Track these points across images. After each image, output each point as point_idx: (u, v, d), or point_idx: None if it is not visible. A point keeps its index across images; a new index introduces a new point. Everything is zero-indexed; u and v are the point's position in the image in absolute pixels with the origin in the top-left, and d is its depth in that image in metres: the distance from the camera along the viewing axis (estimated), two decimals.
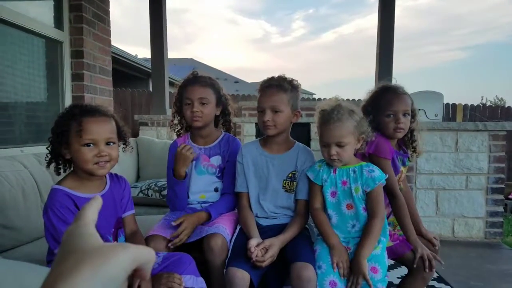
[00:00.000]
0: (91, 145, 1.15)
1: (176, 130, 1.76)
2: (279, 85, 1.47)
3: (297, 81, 1.54)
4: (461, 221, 3.11)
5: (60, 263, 0.29)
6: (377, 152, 1.46)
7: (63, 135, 1.17)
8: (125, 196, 1.36)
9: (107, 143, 1.18)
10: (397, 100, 1.51)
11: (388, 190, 1.46)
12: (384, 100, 1.52)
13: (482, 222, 3.08)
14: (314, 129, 3.52)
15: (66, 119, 1.18)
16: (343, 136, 1.33)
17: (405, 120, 1.51)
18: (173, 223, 1.41)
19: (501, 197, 3.08)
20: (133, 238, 1.34)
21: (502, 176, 3.06)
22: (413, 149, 1.64)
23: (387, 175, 1.39)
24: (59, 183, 1.21)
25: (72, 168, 1.24)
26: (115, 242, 1.28)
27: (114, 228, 1.28)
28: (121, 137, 1.29)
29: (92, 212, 0.36)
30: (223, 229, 1.43)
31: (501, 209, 3.08)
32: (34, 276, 0.83)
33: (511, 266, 2.57)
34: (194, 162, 1.62)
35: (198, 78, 1.61)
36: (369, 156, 1.48)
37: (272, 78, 1.52)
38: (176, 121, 1.72)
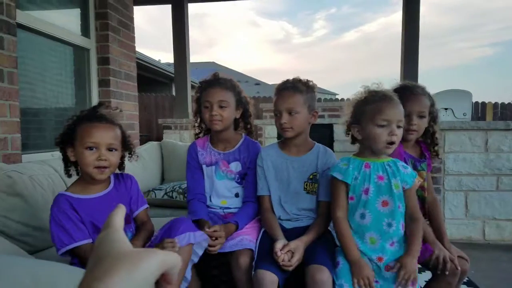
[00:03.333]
0: (93, 148, 1.22)
1: (195, 133, 1.75)
2: (293, 86, 1.46)
3: (312, 81, 1.53)
4: (492, 223, 2.99)
5: (94, 267, 0.31)
6: None
7: (69, 137, 1.25)
8: (134, 194, 1.40)
9: (109, 149, 1.24)
10: (411, 100, 1.44)
11: None
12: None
13: None
14: (337, 130, 3.51)
15: (74, 123, 1.26)
16: (403, 118, 1.27)
17: (419, 122, 1.45)
18: (207, 229, 1.39)
19: None
20: (140, 228, 1.39)
21: None
22: (435, 153, 1.57)
23: None
24: (66, 190, 1.29)
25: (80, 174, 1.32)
26: None
27: None
28: (126, 146, 1.35)
29: (119, 219, 0.38)
30: (248, 242, 1.42)
31: None
32: (66, 276, 0.86)
33: None
34: (214, 167, 1.62)
35: (218, 80, 1.58)
36: None
37: (287, 80, 1.51)
38: (196, 124, 1.71)
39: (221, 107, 1.53)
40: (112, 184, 1.35)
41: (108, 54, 2.86)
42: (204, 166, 1.64)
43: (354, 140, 1.38)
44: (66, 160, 1.30)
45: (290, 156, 1.53)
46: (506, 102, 6.09)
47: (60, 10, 2.76)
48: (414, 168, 1.51)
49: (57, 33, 2.48)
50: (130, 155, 1.39)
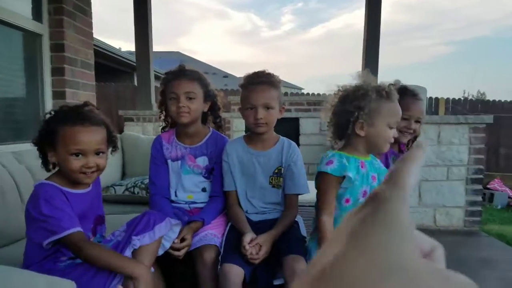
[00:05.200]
0: (80, 155, 1.13)
1: (161, 127, 1.69)
2: (270, 81, 1.44)
3: (278, 76, 1.51)
4: (442, 210, 3.19)
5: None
6: None
7: (49, 138, 1.15)
8: (100, 195, 1.37)
9: (96, 153, 1.17)
10: (414, 105, 1.51)
11: None
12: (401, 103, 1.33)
13: (462, 211, 3.17)
14: (303, 123, 3.56)
15: (54, 123, 1.15)
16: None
17: (416, 126, 1.52)
18: (176, 241, 1.36)
19: (480, 187, 3.18)
20: None
21: (481, 167, 3.15)
22: None
23: None
24: (46, 179, 1.20)
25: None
26: (93, 237, 1.28)
27: (93, 224, 1.29)
28: (111, 142, 1.27)
29: (413, 177, 0.22)
30: (213, 237, 1.42)
31: (479, 198, 3.19)
32: (17, 280, 0.80)
33: (489, 253, 2.66)
34: (180, 161, 1.58)
35: (185, 72, 1.53)
36: None
37: (260, 73, 1.47)
38: (162, 117, 1.66)
39: (188, 98, 1.48)
40: (93, 183, 1.28)
41: (63, 40, 2.69)
42: (169, 161, 1.59)
43: (343, 135, 1.27)
44: (43, 157, 1.20)
45: (255, 151, 1.52)
46: (457, 98, 6.49)
47: None
48: None
49: (4, 16, 2.29)
50: (114, 149, 1.32)
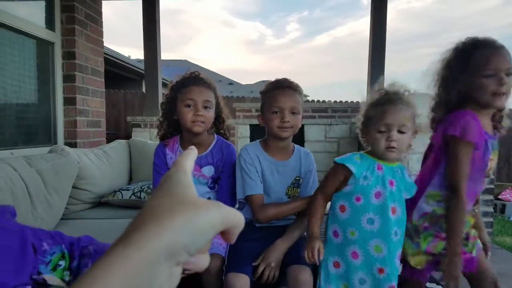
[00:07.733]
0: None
1: (160, 134, 1.60)
2: (295, 86, 1.42)
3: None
4: None
5: (156, 203, 0.30)
6: (464, 134, 1.17)
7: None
8: None
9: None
10: (496, 56, 1.18)
11: (450, 182, 1.23)
12: (479, 57, 1.19)
13: None
14: (308, 130, 3.56)
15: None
16: (406, 120, 1.15)
17: (510, 81, 1.17)
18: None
19: (491, 197, 3.11)
20: None
21: (492, 176, 3.09)
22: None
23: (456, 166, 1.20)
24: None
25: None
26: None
27: None
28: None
29: (190, 161, 0.36)
30: (218, 246, 1.39)
31: (491, 209, 3.11)
32: None
33: (502, 265, 2.59)
34: None
35: (203, 79, 1.48)
36: (445, 138, 1.23)
37: (286, 79, 1.45)
38: (164, 126, 1.58)
39: (205, 107, 1.44)
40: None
41: (74, 48, 2.75)
42: None
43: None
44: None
45: (275, 160, 1.46)
46: None
47: (23, 2, 2.62)
48: (493, 148, 1.28)
49: (19, 25, 2.35)
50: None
